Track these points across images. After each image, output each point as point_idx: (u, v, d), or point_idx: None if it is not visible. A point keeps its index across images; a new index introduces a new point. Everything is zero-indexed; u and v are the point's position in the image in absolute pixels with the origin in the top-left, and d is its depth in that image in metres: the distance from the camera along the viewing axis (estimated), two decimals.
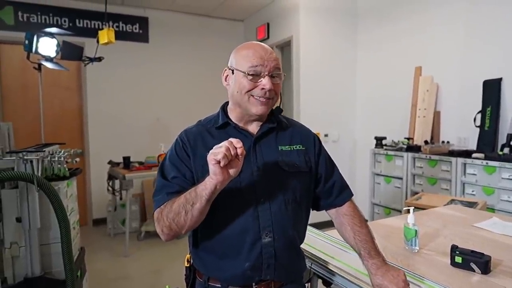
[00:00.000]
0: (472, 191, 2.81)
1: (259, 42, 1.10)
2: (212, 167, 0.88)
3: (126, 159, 3.84)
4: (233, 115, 1.12)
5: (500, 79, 2.95)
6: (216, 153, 0.86)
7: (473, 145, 3.12)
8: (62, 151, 2.03)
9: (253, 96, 1.04)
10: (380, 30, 4.11)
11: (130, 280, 3.03)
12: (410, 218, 1.36)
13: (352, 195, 1.23)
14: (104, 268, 3.23)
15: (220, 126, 1.10)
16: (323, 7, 4.21)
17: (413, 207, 1.38)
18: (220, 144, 0.88)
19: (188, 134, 1.10)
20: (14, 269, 1.80)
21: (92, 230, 4.37)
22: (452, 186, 2.94)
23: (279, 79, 1.07)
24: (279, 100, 1.14)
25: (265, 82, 1.03)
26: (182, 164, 1.06)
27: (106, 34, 3.01)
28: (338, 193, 1.20)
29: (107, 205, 4.23)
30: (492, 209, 2.61)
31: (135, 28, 4.67)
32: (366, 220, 1.22)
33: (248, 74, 1.03)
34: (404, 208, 1.46)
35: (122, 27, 4.59)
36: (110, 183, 3.98)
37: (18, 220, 1.78)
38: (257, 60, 1.03)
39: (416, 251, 1.35)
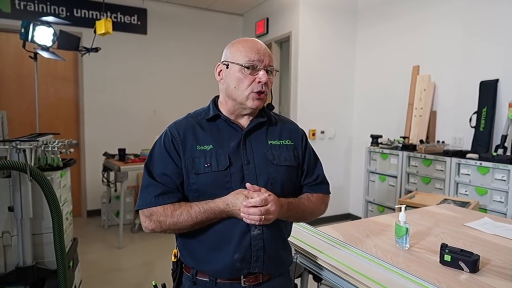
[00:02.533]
0: (465, 191, 2.82)
1: (253, 38, 1.12)
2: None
3: (122, 151, 3.83)
4: (225, 108, 1.13)
5: (497, 80, 2.96)
6: (251, 219, 0.98)
7: (468, 146, 3.13)
8: (56, 141, 2.02)
9: (252, 91, 1.06)
10: (379, 28, 4.10)
11: (123, 272, 3.04)
12: (402, 216, 1.36)
13: (329, 193, 1.24)
14: (97, 259, 3.23)
15: (210, 118, 1.12)
16: (323, 4, 4.19)
17: (404, 205, 1.38)
18: (252, 210, 0.96)
19: (178, 127, 1.11)
20: (5, 258, 1.80)
21: (86, 221, 4.37)
22: (445, 186, 2.95)
23: (272, 75, 1.09)
24: (271, 96, 1.16)
25: (261, 75, 1.05)
26: (169, 159, 1.06)
27: (103, 25, 2.98)
28: (318, 185, 1.22)
29: (102, 197, 4.22)
30: (484, 209, 2.63)
31: (134, 20, 4.64)
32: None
33: (245, 67, 1.04)
34: (396, 206, 1.46)
35: (120, 18, 4.55)
36: (105, 175, 3.97)
37: (10, 209, 1.77)
38: (254, 54, 1.05)
39: (407, 248, 1.35)
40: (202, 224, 1.02)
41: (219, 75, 1.12)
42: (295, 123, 1.26)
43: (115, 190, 4.08)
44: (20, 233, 1.79)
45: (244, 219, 0.98)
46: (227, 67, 1.09)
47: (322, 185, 1.23)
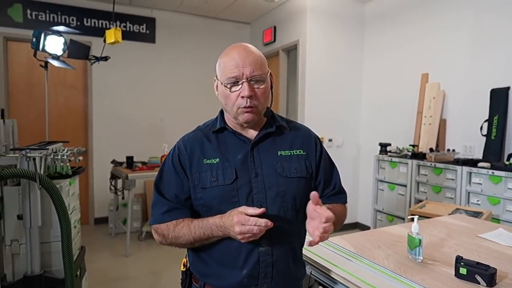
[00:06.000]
0: (477, 200, 2.77)
1: (239, 45, 1.06)
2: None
3: (130, 159, 3.84)
4: (229, 120, 1.11)
5: (508, 88, 2.92)
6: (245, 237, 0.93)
7: (479, 154, 3.08)
8: (65, 149, 2.03)
9: (239, 107, 1.02)
10: (387, 35, 4.09)
11: (130, 281, 3.02)
12: (414, 227, 1.33)
13: (346, 202, 1.21)
14: (104, 267, 3.22)
15: (217, 130, 1.09)
16: (330, 12, 4.20)
17: (417, 216, 1.35)
18: (247, 228, 0.90)
19: (185, 142, 1.10)
20: (13, 266, 1.79)
21: (93, 229, 4.37)
22: (456, 195, 2.90)
23: (261, 82, 1.03)
24: (270, 101, 1.11)
25: (243, 89, 1.00)
26: (175, 175, 1.07)
27: (113, 34, 3.01)
28: (336, 195, 1.18)
29: (109, 205, 4.23)
30: (497, 220, 2.57)
31: (142, 29, 4.69)
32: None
33: (226, 86, 1.02)
34: (409, 217, 1.43)
35: (129, 27, 4.61)
36: (113, 183, 3.98)
37: (19, 217, 1.77)
38: (233, 69, 1.00)
39: (420, 260, 1.32)
40: (201, 241, 1.00)
41: (216, 89, 1.09)
42: (308, 130, 1.21)
43: (123, 198, 4.08)
44: (28, 241, 1.79)
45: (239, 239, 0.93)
46: (217, 83, 1.07)
47: (339, 195, 1.19)
